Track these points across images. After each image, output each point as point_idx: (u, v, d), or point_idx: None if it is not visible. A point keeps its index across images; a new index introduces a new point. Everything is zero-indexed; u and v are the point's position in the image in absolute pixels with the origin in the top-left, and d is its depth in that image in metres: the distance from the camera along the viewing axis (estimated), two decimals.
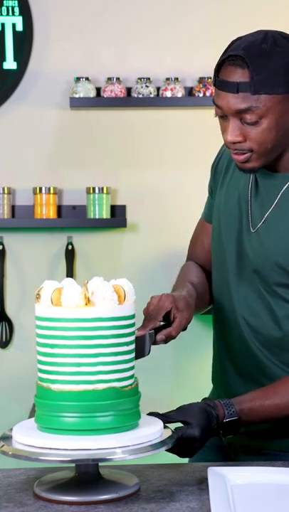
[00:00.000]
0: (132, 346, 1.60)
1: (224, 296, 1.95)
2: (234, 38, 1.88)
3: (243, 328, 1.90)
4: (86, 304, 1.55)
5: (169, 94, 3.69)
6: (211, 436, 1.72)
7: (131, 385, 1.59)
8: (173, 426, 1.67)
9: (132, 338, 1.60)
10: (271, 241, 1.85)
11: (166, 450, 1.61)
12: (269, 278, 1.85)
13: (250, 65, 1.71)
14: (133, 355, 1.60)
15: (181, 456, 1.70)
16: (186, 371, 3.68)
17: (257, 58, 1.71)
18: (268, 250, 1.84)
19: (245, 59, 1.72)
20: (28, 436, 1.56)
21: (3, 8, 3.68)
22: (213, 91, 1.83)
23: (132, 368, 1.60)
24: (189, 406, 1.72)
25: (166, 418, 1.68)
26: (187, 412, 1.70)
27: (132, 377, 1.60)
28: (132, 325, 1.60)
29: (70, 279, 1.61)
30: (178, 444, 1.64)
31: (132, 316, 1.59)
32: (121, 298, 1.57)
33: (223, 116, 1.78)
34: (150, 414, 1.69)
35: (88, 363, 1.54)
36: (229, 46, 1.79)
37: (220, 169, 2.03)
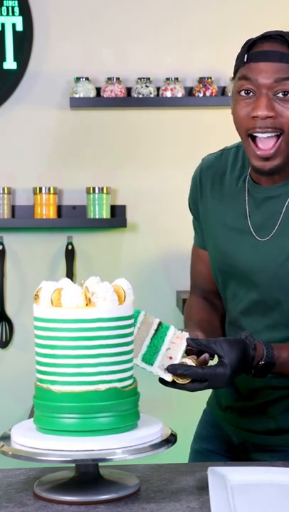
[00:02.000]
0: (132, 346, 1.60)
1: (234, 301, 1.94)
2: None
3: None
4: (87, 305, 1.55)
5: (169, 94, 3.69)
6: (240, 374, 1.69)
7: (131, 385, 1.59)
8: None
9: (131, 338, 1.60)
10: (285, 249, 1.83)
11: (194, 388, 1.62)
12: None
13: None
14: (132, 355, 1.60)
15: (208, 387, 1.66)
16: None
17: None
18: (282, 259, 1.83)
19: (283, 36, 1.74)
20: (26, 438, 1.56)
21: (3, 8, 3.68)
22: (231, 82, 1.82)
23: (132, 368, 1.60)
24: (229, 341, 1.67)
25: (202, 345, 1.65)
26: (226, 346, 1.66)
27: (131, 377, 1.60)
28: (132, 325, 1.60)
29: (66, 279, 1.60)
30: (205, 378, 1.62)
31: (132, 316, 1.59)
32: (121, 298, 1.57)
33: (249, 94, 1.75)
34: (190, 339, 1.65)
35: (89, 364, 1.54)
36: (249, 39, 1.80)
37: (197, 195, 1.99)
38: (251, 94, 1.75)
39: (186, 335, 1.67)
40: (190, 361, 1.65)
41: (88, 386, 1.53)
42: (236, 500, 1.50)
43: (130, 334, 1.59)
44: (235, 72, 1.83)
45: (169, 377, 1.65)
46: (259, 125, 1.74)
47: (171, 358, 1.65)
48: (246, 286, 1.88)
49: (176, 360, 1.64)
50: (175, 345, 1.65)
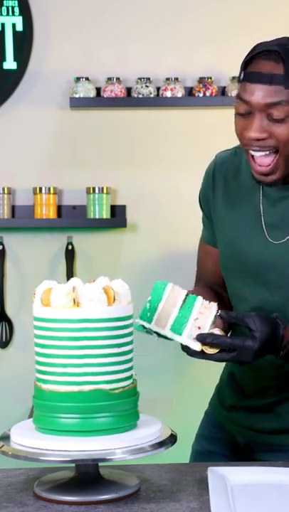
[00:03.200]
0: (125, 348, 1.58)
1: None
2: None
3: None
4: (74, 305, 1.55)
5: (169, 94, 3.69)
6: (268, 353, 1.69)
7: (124, 387, 1.57)
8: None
9: (125, 340, 1.58)
10: None
11: (221, 358, 1.62)
12: None
13: (286, 59, 1.70)
14: (126, 357, 1.58)
15: (235, 359, 1.66)
16: (187, 371, 3.68)
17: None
18: None
19: (280, 53, 1.70)
20: (26, 438, 1.56)
21: (3, 8, 3.68)
22: (234, 91, 1.82)
23: (126, 370, 1.58)
24: (261, 317, 1.68)
25: (234, 318, 1.66)
26: (257, 320, 1.66)
27: (125, 379, 1.58)
28: (125, 326, 1.58)
29: (77, 278, 1.60)
30: (234, 348, 1.63)
31: (124, 318, 1.57)
32: (110, 299, 1.57)
33: (245, 114, 1.75)
34: (223, 311, 1.66)
35: (75, 364, 1.54)
36: (252, 50, 1.76)
37: (209, 191, 1.99)
38: (247, 114, 1.75)
39: (215, 305, 1.67)
40: (219, 331, 1.65)
41: (73, 386, 1.54)
42: (236, 500, 1.50)
43: (121, 336, 1.57)
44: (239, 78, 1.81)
45: (198, 347, 1.64)
46: (255, 144, 1.75)
47: (199, 327, 1.65)
48: (255, 285, 1.88)
49: (205, 330, 1.64)
50: (203, 316, 1.65)
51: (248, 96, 1.72)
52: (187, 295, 1.67)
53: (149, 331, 1.67)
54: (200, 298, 1.67)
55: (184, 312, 1.65)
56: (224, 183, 1.95)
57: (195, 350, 1.66)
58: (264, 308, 1.85)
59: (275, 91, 1.70)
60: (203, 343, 1.64)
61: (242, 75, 1.74)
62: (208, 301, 1.68)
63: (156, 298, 1.66)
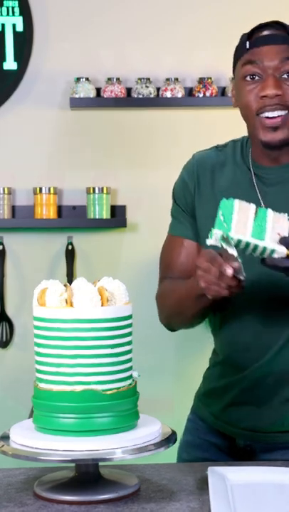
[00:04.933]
0: (120, 349, 1.58)
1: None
2: (234, 38, 1.94)
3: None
4: (67, 305, 1.55)
5: (169, 94, 3.69)
6: None
7: (119, 388, 1.57)
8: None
9: (119, 340, 1.58)
10: None
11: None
12: None
13: (286, 26, 1.84)
14: (121, 358, 1.58)
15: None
16: (187, 371, 3.67)
17: (287, 25, 1.85)
18: None
19: (279, 22, 1.85)
20: (26, 437, 1.56)
21: (4, 9, 3.68)
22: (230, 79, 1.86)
23: (121, 371, 1.58)
24: None
25: None
26: None
27: (120, 380, 1.57)
28: (120, 327, 1.57)
29: (82, 278, 1.60)
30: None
31: (119, 319, 1.57)
32: (103, 300, 1.57)
33: (255, 78, 1.84)
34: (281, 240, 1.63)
35: (67, 364, 1.54)
36: (244, 33, 1.89)
37: (192, 185, 2.01)
38: (257, 77, 1.84)
39: (286, 216, 1.66)
40: None
41: (65, 386, 1.54)
42: (236, 500, 1.50)
43: (114, 337, 1.56)
44: (235, 63, 1.91)
45: (284, 250, 1.62)
46: (268, 104, 1.83)
47: (279, 234, 1.63)
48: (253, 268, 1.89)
49: (286, 234, 1.62)
50: (279, 223, 1.64)
51: (261, 57, 1.83)
52: (256, 208, 1.65)
53: (227, 242, 1.61)
54: (270, 209, 1.66)
55: (259, 221, 1.63)
56: (211, 180, 1.98)
57: (277, 259, 1.62)
58: (256, 292, 1.86)
59: (285, 49, 1.83)
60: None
61: (247, 44, 1.85)
62: (278, 212, 1.66)
63: (227, 211, 1.62)
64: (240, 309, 1.91)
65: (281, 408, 1.91)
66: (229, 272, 1.61)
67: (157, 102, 3.68)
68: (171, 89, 3.68)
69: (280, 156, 1.90)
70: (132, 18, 3.75)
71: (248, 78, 1.85)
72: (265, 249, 1.63)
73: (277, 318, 1.88)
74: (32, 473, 1.72)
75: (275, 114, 1.83)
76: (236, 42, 1.95)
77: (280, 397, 1.91)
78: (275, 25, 1.86)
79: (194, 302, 1.83)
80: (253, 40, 1.85)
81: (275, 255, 1.63)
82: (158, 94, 3.71)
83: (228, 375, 1.97)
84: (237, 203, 1.64)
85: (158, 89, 3.72)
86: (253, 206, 1.66)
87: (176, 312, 1.95)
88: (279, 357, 1.89)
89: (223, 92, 3.71)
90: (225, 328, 1.97)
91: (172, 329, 2.05)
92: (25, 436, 1.56)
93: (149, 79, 3.68)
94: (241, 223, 1.62)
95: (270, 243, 1.63)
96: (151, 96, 3.67)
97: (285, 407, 1.91)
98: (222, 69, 3.70)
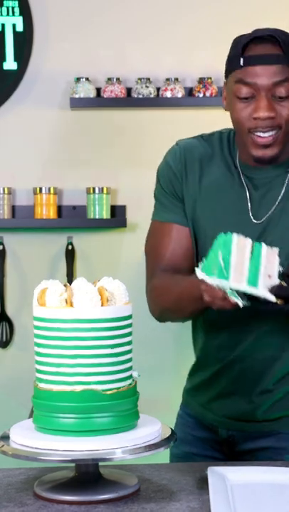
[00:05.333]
0: (120, 349, 1.58)
1: None
2: (234, 38, 1.92)
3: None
4: (67, 305, 1.55)
5: (169, 94, 3.69)
6: None
7: (119, 388, 1.57)
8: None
9: (119, 340, 1.58)
10: (281, 232, 1.86)
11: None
12: None
13: (281, 41, 1.80)
14: (121, 358, 1.58)
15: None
16: (187, 371, 3.67)
17: (283, 37, 1.82)
18: (276, 240, 1.84)
19: (274, 36, 1.81)
20: (26, 437, 1.56)
21: (4, 9, 3.68)
22: (224, 87, 1.89)
23: (121, 371, 1.58)
24: None
25: None
26: None
27: (120, 380, 1.57)
28: (119, 327, 1.57)
29: (82, 278, 1.60)
30: None
31: (118, 319, 1.57)
32: (103, 300, 1.57)
33: (248, 98, 1.82)
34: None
35: (67, 364, 1.54)
36: (238, 38, 1.88)
37: (179, 173, 2.00)
38: (250, 97, 1.83)
39: (277, 250, 1.65)
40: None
41: (65, 386, 1.54)
42: (236, 500, 1.50)
43: (114, 337, 1.56)
44: (227, 73, 1.90)
45: (274, 298, 1.61)
46: (261, 125, 1.82)
47: (270, 276, 1.62)
48: None
49: (275, 278, 1.62)
50: (271, 264, 1.63)
51: (254, 78, 1.81)
52: (252, 244, 1.63)
53: (231, 293, 1.60)
54: (264, 245, 1.64)
55: (254, 262, 1.61)
56: (199, 171, 1.98)
57: (268, 301, 1.63)
58: None
59: (280, 70, 1.80)
60: (278, 296, 1.61)
61: (241, 60, 1.83)
62: (270, 247, 1.65)
63: (226, 251, 1.59)
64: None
65: (260, 398, 1.93)
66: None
67: (157, 102, 3.68)
68: (171, 89, 3.68)
69: None
70: (132, 18, 3.75)
71: (241, 97, 1.84)
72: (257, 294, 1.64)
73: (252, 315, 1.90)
74: (32, 473, 1.72)
75: (267, 134, 1.83)
76: None
77: (260, 387, 1.93)
78: (271, 38, 1.83)
79: (194, 303, 1.83)
80: (247, 57, 1.83)
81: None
82: (158, 94, 3.71)
83: (208, 369, 2.01)
84: (235, 240, 1.61)
85: (158, 89, 3.71)
86: (249, 242, 1.63)
87: (174, 309, 1.95)
88: (256, 346, 1.92)
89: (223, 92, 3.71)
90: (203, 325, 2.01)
91: (163, 321, 2.05)
92: (25, 436, 1.56)
93: (149, 79, 3.68)
94: (238, 269, 1.60)
95: (262, 290, 1.63)
96: (151, 96, 3.67)
97: (264, 396, 1.94)
98: (222, 69, 3.65)
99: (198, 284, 1.68)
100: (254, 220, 1.90)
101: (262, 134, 1.83)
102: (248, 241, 1.63)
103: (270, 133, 1.82)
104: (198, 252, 1.97)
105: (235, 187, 1.93)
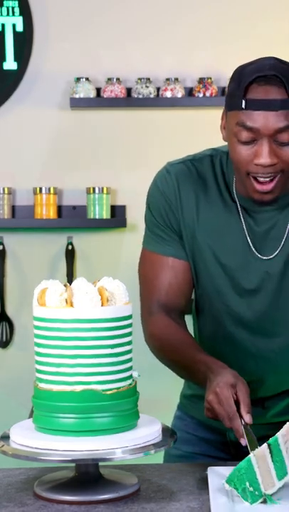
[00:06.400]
0: (120, 349, 1.57)
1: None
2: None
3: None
4: (67, 305, 1.55)
5: (169, 94, 3.69)
6: None
7: (119, 388, 1.57)
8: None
9: (119, 340, 1.57)
10: None
11: None
12: None
13: (286, 82, 1.69)
14: (121, 358, 1.58)
15: None
16: None
17: (287, 75, 1.70)
18: None
19: (279, 77, 1.69)
20: (26, 437, 1.56)
21: (4, 9, 3.68)
22: (227, 117, 1.77)
23: (121, 371, 1.57)
24: None
25: None
26: None
27: (120, 380, 1.57)
28: (119, 327, 1.57)
29: (82, 278, 1.60)
30: None
31: (118, 319, 1.57)
32: (103, 300, 1.56)
33: (249, 142, 1.73)
34: None
35: (67, 364, 1.54)
36: (240, 71, 1.74)
37: (174, 206, 1.91)
38: (251, 141, 1.73)
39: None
40: None
41: (65, 386, 1.54)
42: (236, 500, 1.50)
43: (114, 337, 1.56)
44: (227, 107, 1.77)
45: None
46: (262, 171, 1.73)
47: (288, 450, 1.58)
48: (246, 304, 1.88)
49: None
50: (287, 437, 1.58)
51: (255, 123, 1.70)
52: (269, 445, 1.56)
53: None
54: (279, 434, 1.57)
55: (276, 457, 1.56)
56: (196, 203, 1.89)
57: None
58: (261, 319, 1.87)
59: (284, 116, 1.70)
60: None
61: (243, 103, 1.71)
62: (283, 429, 1.59)
63: (251, 474, 1.53)
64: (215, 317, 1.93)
65: (273, 401, 1.93)
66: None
67: (157, 102, 3.68)
68: (171, 89, 3.68)
69: None
70: (132, 18, 3.75)
71: (241, 141, 1.73)
72: None
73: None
74: (32, 473, 1.72)
75: (267, 179, 1.74)
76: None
77: (275, 391, 1.92)
78: (275, 78, 1.70)
79: (193, 380, 1.84)
80: (250, 101, 1.71)
81: None
82: (158, 94, 3.71)
83: None
84: (254, 459, 1.54)
85: (158, 89, 3.72)
86: (265, 448, 1.56)
87: (174, 370, 1.93)
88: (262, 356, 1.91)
89: (223, 92, 3.71)
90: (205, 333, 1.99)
91: None
92: (25, 436, 1.56)
93: (149, 79, 3.68)
94: (266, 477, 1.55)
95: None
96: (151, 96, 3.67)
97: (277, 400, 1.94)
98: (222, 69, 3.70)
99: (205, 372, 1.70)
100: (261, 256, 1.85)
101: (262, 179, 1.74)
102: (264, 447, 1.56)
103: (271, 176, 1.74)
104: (198, 284, 1.93)
105: (235, 221, 1.86)
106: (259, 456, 1.54)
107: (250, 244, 1.85)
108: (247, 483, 1.51)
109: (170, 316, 1.89)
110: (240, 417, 1.62)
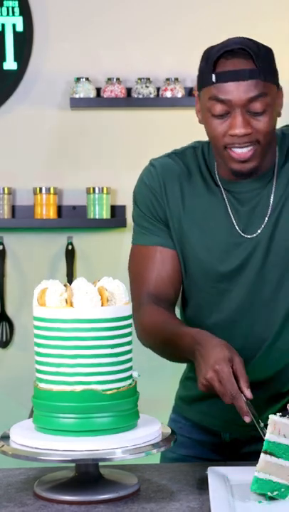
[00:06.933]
0: (120, 349, 1.57)
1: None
2: (204, 49, 1.90)
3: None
4: (67, 305, 1.55)
5: (169, 94, 3.69)
6: None
7: (119, 388, 1.57)
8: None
9: (119, 340, 1.57)
10: (279, 244, 1.85)
11: None
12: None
13: (253, 54, 1.75)
14: (121, 358, 1.58)
15: None
16: None
17: (255, 49, 1.77)
18: (276, 253, 1.85)
19: (246, 49, 1.76)
20: (26, 437, 1.56)
21: (4, 9, 3.68)
22: (203, 93, 1.81)
23: (121, 371, 1.58)
24: None
25: None
26: None
27: (120, 380, 1.57)
28: (119, 327, 1.57)
29: (82, 278, 1.60)
30: None
31: (118, 319, 1.57)
32: (103, 300, 1.56)
33: (223, 115, 1.77)
34: None
35: (67, 364, 1.54)
36: (209, 51, 1.83)
37: (159, 195, 1.96)
38: (224, 113, 1.78)
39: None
40: None
41: (65, 386, 1.54)
42: (236, 500, 1.50)
43: (114, 337, 1.56)
44: (199, 86, 1.84)
45: None
46: (237, 141, 1.78)
47: None
48: (234, 283, 1.89)
49: None
50: None
51: (227, 95, 1.75)
52: (264, 451, 1.56)
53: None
54: (267, 436, 1.56)
55: (280, 451, 1.55)
56: (180, 190, 1.93)
57: None
58: (247, 304, 1.88)
59: (254, 85, 1.75)
60: None
61: (213, 76, 1.77)
62: (269, 428, 1.58)
63: (267, 485, 1.54)
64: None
65: (270, 403, 1.93)
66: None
67: (157, 102, 3.68)
68: (171, 89, 3.69)
69: None
70: (132, 18, 3.75)
71: (215, 113, 1.78)
72: None
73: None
74: (32, 473, 1.72)
75: (244, 150, 1.78)
76: None
77: (270, 392, 1.92)
78: (242, 51, 1.76)
79: (185, 359, 1.82)
80: (219, 73, 1.77)
81: None
82: (158, 94, 3.71)
83: None
84: (261, 474, 1.54)
85: (158, 89, 3.72)
86: (263, 456, 1.56)
87: (162, 355, 1.92)
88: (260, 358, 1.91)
89: None
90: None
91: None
92: (25, 436, 1.56)
93: (149, 79, 3.68)
94: (282, 473, 1.54)
95: None
96: (151, 96, 3.67)
97: (273, 401, 1.94)
98: None
99: (192, 344, 1.70)
100: (245, 235, 1.87)
101: (239, 150, 1.78)
102: (262, 456, 1.55)
103: (248, 148, 1.77)
104: (186, 274, 1.94)
105: (219, 204, 1.89)
106: (262, 467, 1.54)
107: (235, 225, 1.87)
108: (269, 493, 1.53)
109: (159, 306, 1.90)
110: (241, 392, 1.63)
